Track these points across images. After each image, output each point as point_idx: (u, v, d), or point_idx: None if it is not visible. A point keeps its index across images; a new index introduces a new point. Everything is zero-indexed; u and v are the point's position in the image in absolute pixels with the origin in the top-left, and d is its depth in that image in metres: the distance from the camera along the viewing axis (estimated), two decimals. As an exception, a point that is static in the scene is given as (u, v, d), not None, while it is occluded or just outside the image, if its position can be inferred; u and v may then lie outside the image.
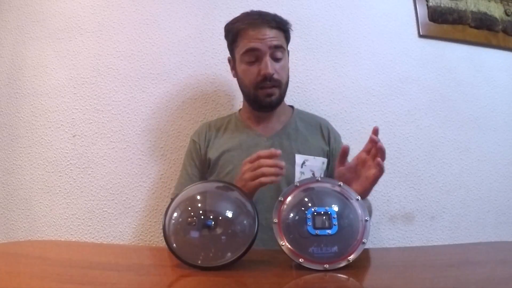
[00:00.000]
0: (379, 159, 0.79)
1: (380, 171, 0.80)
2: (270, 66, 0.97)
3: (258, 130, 1.07)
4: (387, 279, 0.65)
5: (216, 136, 1.09)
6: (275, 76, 0.99)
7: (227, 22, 1.06)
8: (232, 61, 1.09)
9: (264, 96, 1.01)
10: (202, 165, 1.08)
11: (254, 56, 0.99)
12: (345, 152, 0.87)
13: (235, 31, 1.02)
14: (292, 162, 1.01)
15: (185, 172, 1.10)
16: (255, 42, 0.98)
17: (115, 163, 1.26)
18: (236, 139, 1.06)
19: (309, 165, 1.02)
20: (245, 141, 1.05)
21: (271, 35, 0.98)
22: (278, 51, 1.00)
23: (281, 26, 1.02)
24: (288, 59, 1.07)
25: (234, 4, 1.36)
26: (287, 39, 1.06)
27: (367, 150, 0.83)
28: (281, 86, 1.02)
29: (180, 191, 0.76)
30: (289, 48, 1.06)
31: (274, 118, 1.08)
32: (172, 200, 0.75)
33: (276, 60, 1.00)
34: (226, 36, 1.07)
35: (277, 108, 1.06)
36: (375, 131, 0.82)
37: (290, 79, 1.27)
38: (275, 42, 0.98)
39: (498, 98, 1.51)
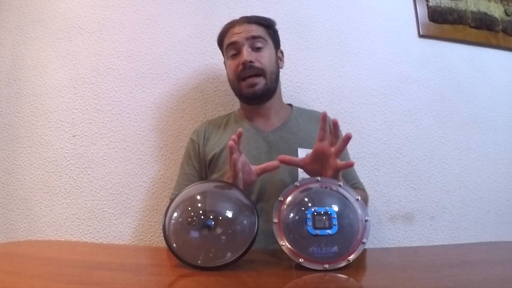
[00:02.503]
0: (336, 148, 0.79)
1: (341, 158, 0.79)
2: (247, 54, 1.00)
3: (258, 126, 1.07)
4: (387, 279, 0.65)
5: (216, 133, 1.09)
6: (256, 64, 1.00)
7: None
8: (224, 63, 1.13)
9: (247, 87, 1.02)
10: (200, 164, 1.08)
11: (234, 49, 1.04)
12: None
13: (221, 36, 1.10)
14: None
15: (182, 172, 1.10)
16: (233, 37, 1.04)
17: (115, 163, 1.26)
18: None
19: None
20: (245, 137, 1.05)
21: (247, 28, 1.03)
22: (257, 41, 1.03)
23: (261, 21, 1.06)
24: (278, 55, 1.10)
25: (234, 4, 1.36)
26: (271, 34, 1.08)
27: (320, 139, 0.82)
28: (266, 75, 1.02)
29: (179, 191, 0.76)
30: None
31: (273, 115, 1.09)
32: (172, 200, 0.75)
33: (257, 49, 1.03)
34: (218, 44, 1.14)
35: (270, 102, 1.07)
36: (324, 117, 0.81)
37: (290, 79, 1.26)
38: (251, 33, 1.03)
39: (498, 98, 1.51)
